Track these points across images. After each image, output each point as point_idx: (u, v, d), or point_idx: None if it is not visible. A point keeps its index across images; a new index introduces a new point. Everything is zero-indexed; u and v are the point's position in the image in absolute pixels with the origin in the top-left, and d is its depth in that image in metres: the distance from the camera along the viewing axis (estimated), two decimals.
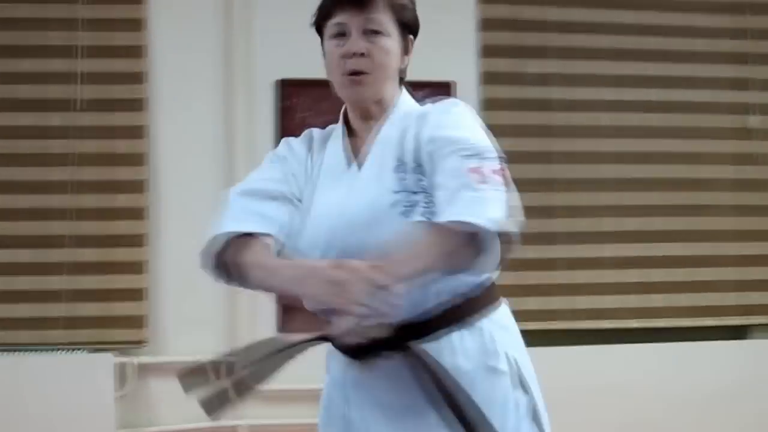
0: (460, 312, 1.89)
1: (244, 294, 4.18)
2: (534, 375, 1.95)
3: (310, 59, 4.44)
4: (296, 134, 4.88)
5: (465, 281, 1.87)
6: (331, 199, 1.93)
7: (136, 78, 4.24)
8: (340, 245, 1.85)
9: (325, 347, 1.98)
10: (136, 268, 4.19)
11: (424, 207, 1.83)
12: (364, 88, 1.98)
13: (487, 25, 4.51)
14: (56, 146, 4.19)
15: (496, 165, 1.83)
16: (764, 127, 4.68)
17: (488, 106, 4.40)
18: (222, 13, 4.35)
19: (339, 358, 1.96)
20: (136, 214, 4.20)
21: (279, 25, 4.32)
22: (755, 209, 4.65)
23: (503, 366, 1.88)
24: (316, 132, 2.10)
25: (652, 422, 4.27)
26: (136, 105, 4.23)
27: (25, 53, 4.21)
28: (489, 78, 4.48)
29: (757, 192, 4.65)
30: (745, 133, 4.68)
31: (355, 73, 1.96)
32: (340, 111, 2.07)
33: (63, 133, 4.19)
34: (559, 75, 4.54)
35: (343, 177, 1.96)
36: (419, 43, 2.07)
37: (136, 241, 4.20)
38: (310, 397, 2.35)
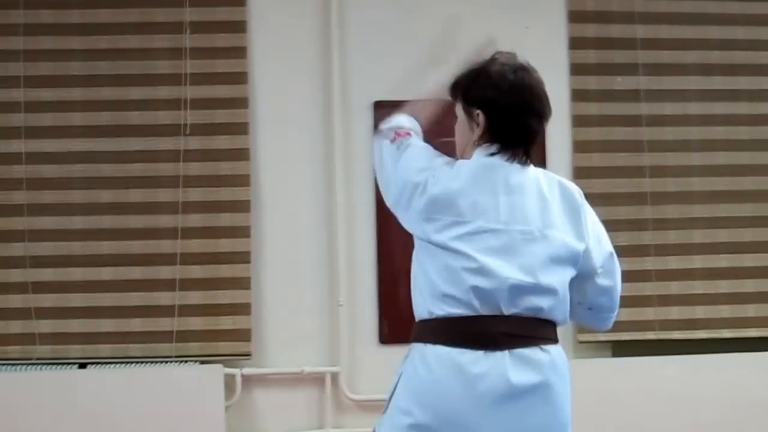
0: None
1: (344, 309, 4.35)
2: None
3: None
4: None
5: None
6: None
7: (240, 103, 4.40)
8: None
9: None
10: (240, 283, 4.33)
11: None
12: None
13: (576, 43, 4.61)
14: (165, 169, 4.35)
15: None
16: None
17: (579, 123, 4.51)
18: (319, 39, 4.47)
19: None
20: (240, 232, 4.34)
21: (373, 50, 4.49)
22: None
23: None
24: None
25: (747, 431, 4.30)
26: (240, 128, 4.39)
27: (135, 81, 4.38)
28: (579, 95, 4.55)
29: None
30: None
31: None
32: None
33: (172, 156, 4.35)
34: (648, 90, 4.60)
35: None
36: None
37: (240, 258, 4.34)
38: None
